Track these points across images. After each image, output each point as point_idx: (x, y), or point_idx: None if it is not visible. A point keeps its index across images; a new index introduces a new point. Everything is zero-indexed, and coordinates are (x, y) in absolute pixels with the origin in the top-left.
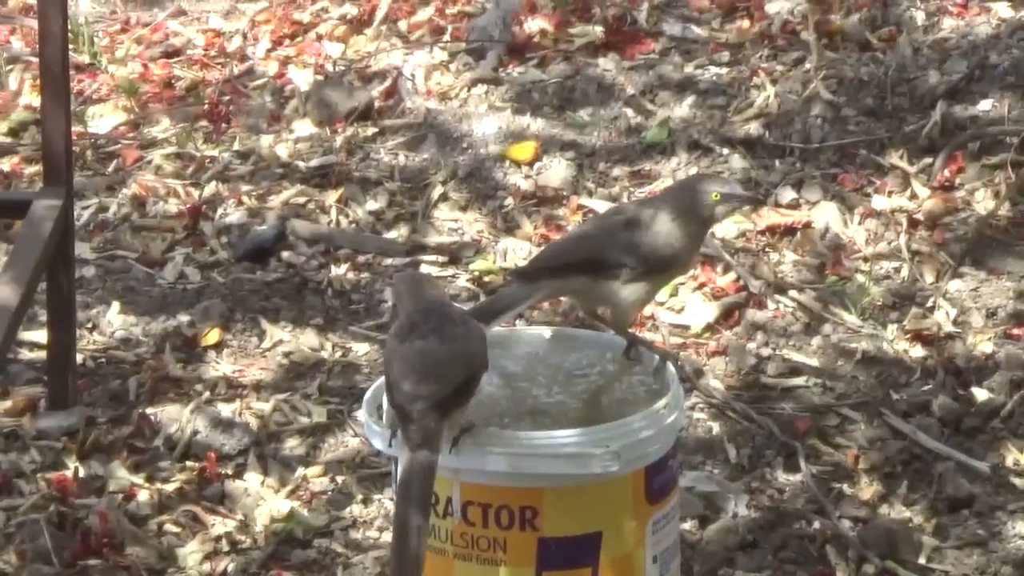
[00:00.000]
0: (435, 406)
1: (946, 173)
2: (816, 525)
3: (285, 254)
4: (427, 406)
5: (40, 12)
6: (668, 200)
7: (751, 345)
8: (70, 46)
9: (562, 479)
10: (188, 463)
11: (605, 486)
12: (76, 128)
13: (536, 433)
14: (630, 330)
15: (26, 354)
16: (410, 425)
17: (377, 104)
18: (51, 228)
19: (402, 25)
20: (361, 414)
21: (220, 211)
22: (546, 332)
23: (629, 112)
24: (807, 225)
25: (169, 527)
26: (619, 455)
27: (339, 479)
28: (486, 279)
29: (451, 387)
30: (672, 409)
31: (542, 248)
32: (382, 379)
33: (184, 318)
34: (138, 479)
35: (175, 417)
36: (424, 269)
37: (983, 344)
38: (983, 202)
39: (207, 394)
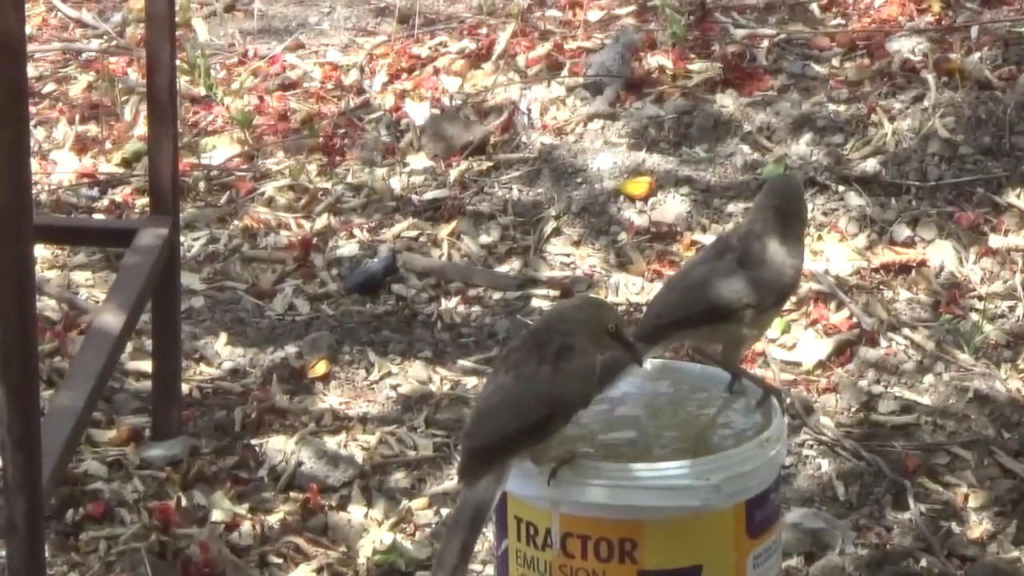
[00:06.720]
0: (483, 448)
1: None
2: (923, 563)
3: (395, 287)
4: (472, 446)
5: (149, 41)
6: (768, 224)
7: (863, 383)
8: (187, 78)
9: (662, 511)
10: (292, 494)
11: (706, 519)
12: (190, 159)
13: (636, 465)
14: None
15: (132, 384)
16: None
17: (493, 138)
18: (156, 256)
19: (520, 60)
20: None
21: (331, 243)
22: (647, 364)
23: (746, 148)
24: (922, 263)
25: (271, 558)
26: (720, 488)
27: (444, 512)
28: None
29: (509, 430)
30: (774, 443)
31: (654, 301)
32: None
33: (292, 349)
34: (241, 510)
35: (280, 448)
36: (535, 304)
37: None
38: None
39: (313, 426)
